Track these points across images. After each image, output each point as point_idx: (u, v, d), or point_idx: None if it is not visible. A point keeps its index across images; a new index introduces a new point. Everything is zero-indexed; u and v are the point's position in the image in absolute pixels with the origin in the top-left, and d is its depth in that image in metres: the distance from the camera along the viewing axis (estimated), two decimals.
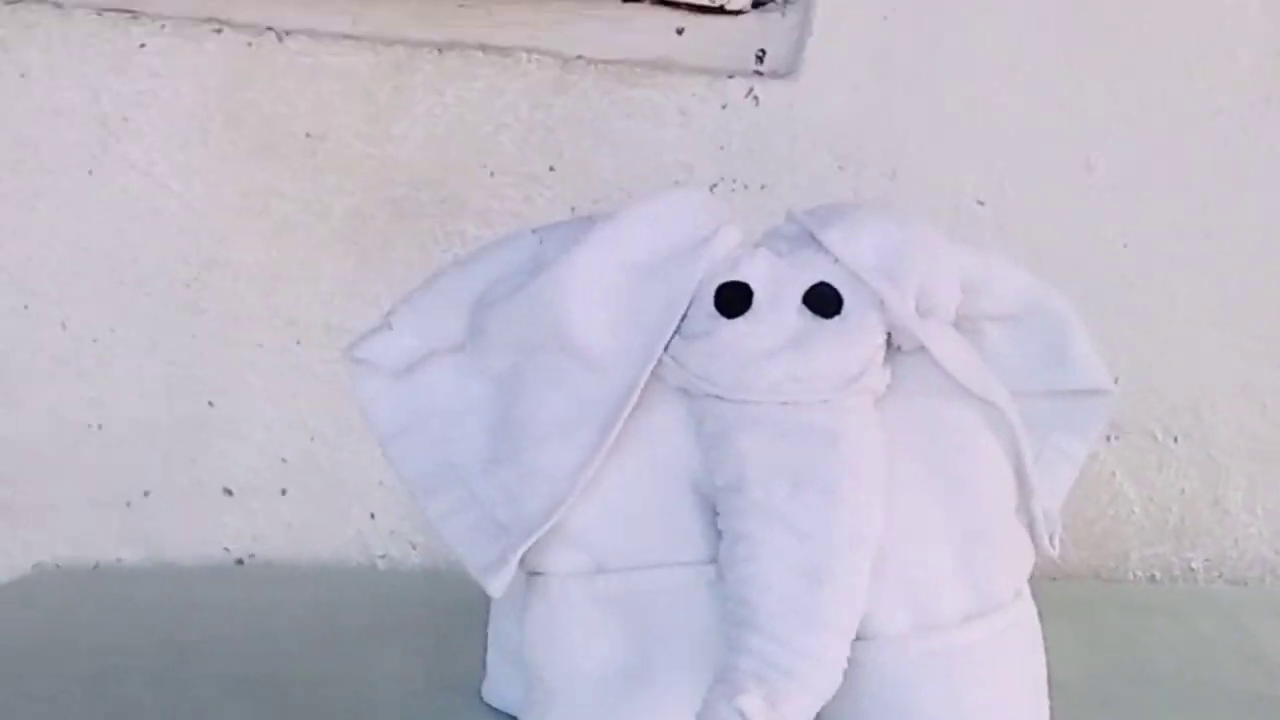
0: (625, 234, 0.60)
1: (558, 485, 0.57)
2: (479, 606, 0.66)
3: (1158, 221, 0.93)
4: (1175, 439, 0.95)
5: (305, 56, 0.86)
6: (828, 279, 0.59)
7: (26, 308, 0.86)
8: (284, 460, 0.89)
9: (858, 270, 0.59)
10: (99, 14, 0.84)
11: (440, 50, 0.87)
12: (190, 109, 0.86)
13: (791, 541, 0.55)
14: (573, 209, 0.88)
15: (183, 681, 0.71)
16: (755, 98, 0.89)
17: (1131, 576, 0.96)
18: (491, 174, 0.88)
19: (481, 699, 0.69)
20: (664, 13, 0.89)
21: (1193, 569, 0.97)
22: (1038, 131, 0.91)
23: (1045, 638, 0.62)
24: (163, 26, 0.85)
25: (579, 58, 0.88)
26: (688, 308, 0.59)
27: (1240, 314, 0.94)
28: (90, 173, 0.85)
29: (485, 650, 0.69)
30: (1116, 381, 0.68)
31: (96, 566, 0.88)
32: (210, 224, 0.86)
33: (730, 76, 0.89)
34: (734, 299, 0.58)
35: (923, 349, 0.60)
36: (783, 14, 0.90)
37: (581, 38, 0.89)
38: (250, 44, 0.85)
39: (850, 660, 0.55)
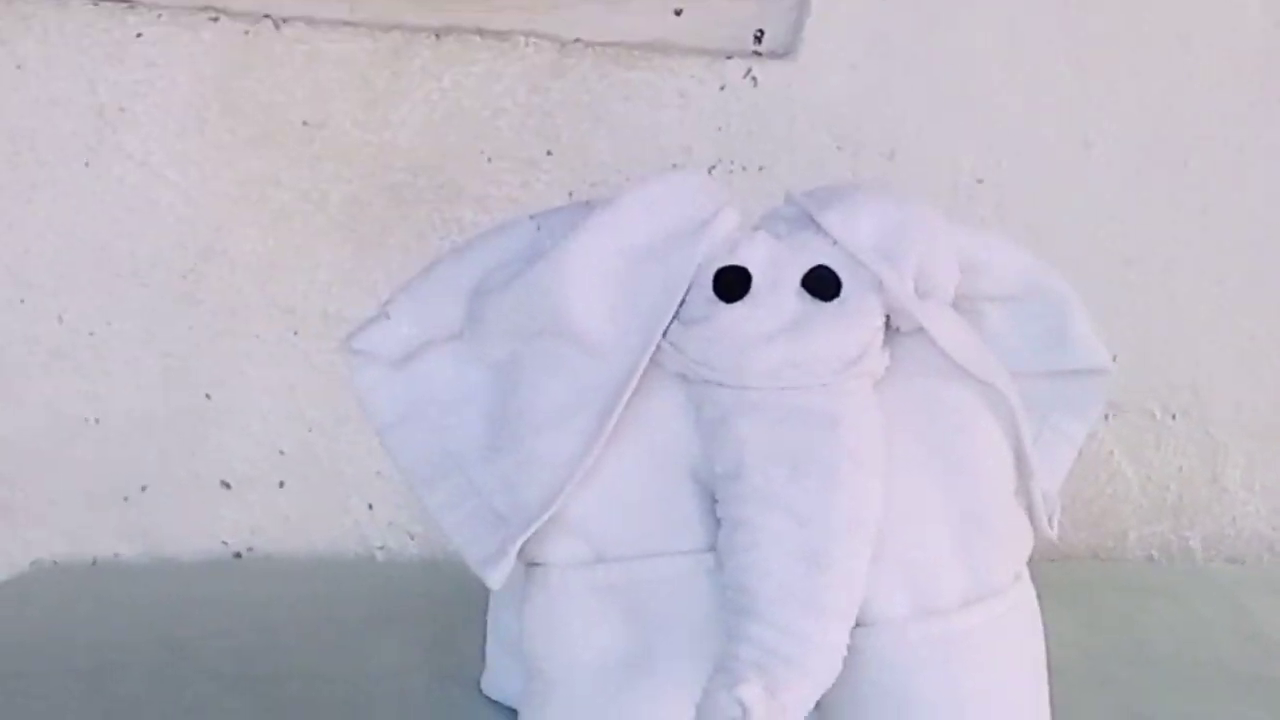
0: (623, 219, 0.59)
1: (556, 473, 0.57)
2: (478, 597, 0.66)
3: (1156, 199, 0.93)
4: (1173, 417, 0.95)
5: (302, 44, 0.86)
6: (826, 261, 0.59)
7: (23, 301, 0.85)
8: (281, 452, 0.89)
9: (856, 252, 0.59)
10: (95, 4, 0.84)
11: (437, 35, 0.87)
12: (187, 98, 0.85)
13: (791, 526, 0.54)
14: (570, 193, 0.88)
15: (182, 676, 0.71)
16: (753, 79, 0.89)
17: (1129, 556, 0.96)
18: (489, 159, 0.88)
19: (481, 691, 0.69)
20: None
21: (1191, 548, 0.97)
22: (1036, 110, 0.91)
23: (1043, 619, 0.62)
24: (159, 15, 0.84)
25: (576, 41, 0.88)
26: (686, 292, 0.59)
27: (1238, 291, 0.94)
28: (87, 164, 0.85)
29: (484, 641, 0.69)
30: (1115, 359, 0.67)
31: (95, 563, 0.88)
32: (207, 214, 0.86)
33: (728, 57, 0.89)
34: (733, 284, 0.58)
35: (921, 330, 0.60)
36: None
37: (579, 20, 0.88)
38: (247, 32, 0.85)
39: (849, 646, 0.54)
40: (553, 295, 0.58)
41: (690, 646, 0.57)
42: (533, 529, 0.57)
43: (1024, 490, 0.62)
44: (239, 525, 0.90)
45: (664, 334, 0.58)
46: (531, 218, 0.63)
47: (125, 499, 0.89)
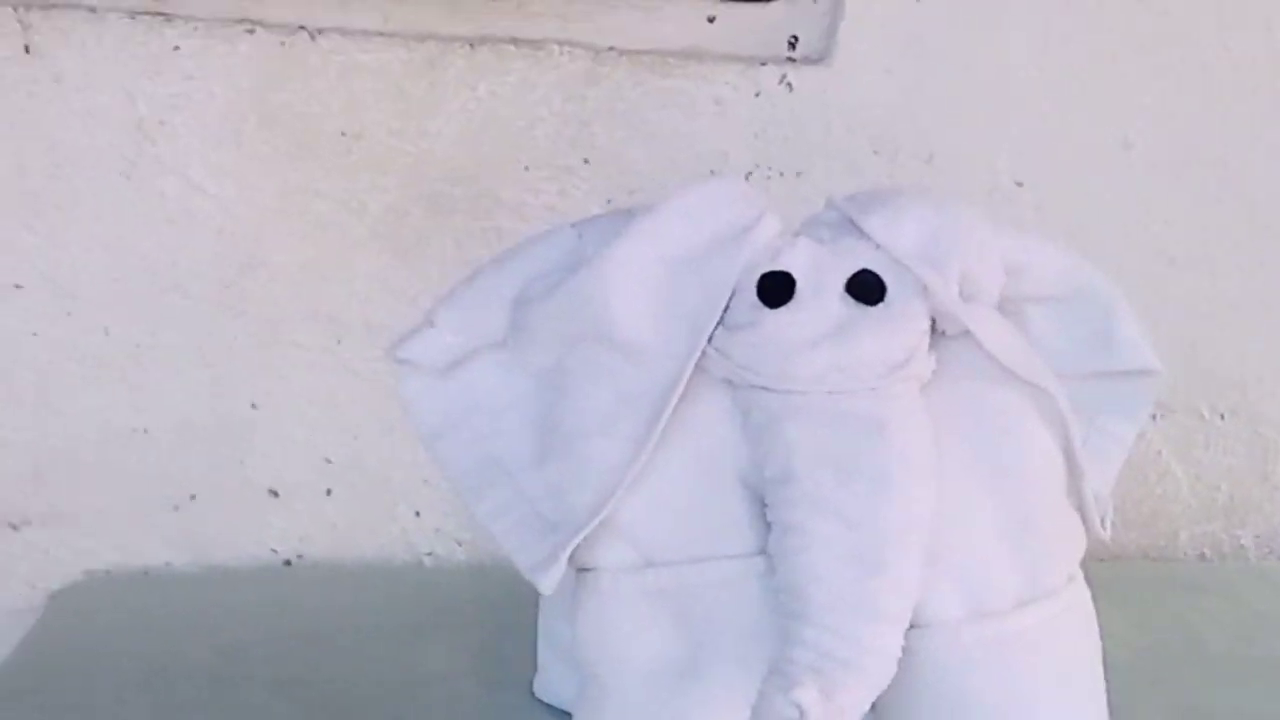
0: (664, 226, 0.60)
1: (605, 479, 0.57)
2: (527, 602, 0.66)
3: (1198, 197, 0.92)
4: (1222, 416, 0.94)
5: (338, 55, 0.86)
6: (870, 266, 0.59)
7: (69, 314, 0.86)
8: (328, 460, 0.90)
9: (900, 256, 0.59)
10: (132, 17, 0.84)
11: (472, 45, 0.87)
12: (224, 110, 0.86)
13: (841, 530, 0.54)
14: (608, 201, 0.88)
15: (233, 683, 0.72)
16: (788, 84, 0.89)
17: (1181, 555, 0.96)
18: (526, 168, 0.88)
19: (533, 694, 0.70)
20: (695, 1, 0.89)
21: (1242, 546, 0.97)
22: (1074, 111, 0.90)
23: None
24: (195, 28, 0.85)
25: (611, 49, 0.88)
26: (730, 298, 0.59)
27: None
28: (127, 177, 0.85)
29: (534, 645, 0.70)
30: (1161, 361, 0.67)
31: (146, 572, 0.89)
32: (247, 225, 0.87)
33: (763, 64, 0.89)
34: (776, 288, 0.58)
35: (967, 334, 0.59)
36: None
37: (613, 28, 0.88)
38: (283, 44, 0.85)
39: (904, 649, 0.55)
40: (595, 303, 0.58)
41: (740, 650, 0.57)
42: (583, 534, 0.57)
43: (1075, 492, 0.61)
44: (287, 533, 0.90)
45: (709, 340, 0.58)
46: (573, 226, 0.63)
47: (175, 508, 0.89)
